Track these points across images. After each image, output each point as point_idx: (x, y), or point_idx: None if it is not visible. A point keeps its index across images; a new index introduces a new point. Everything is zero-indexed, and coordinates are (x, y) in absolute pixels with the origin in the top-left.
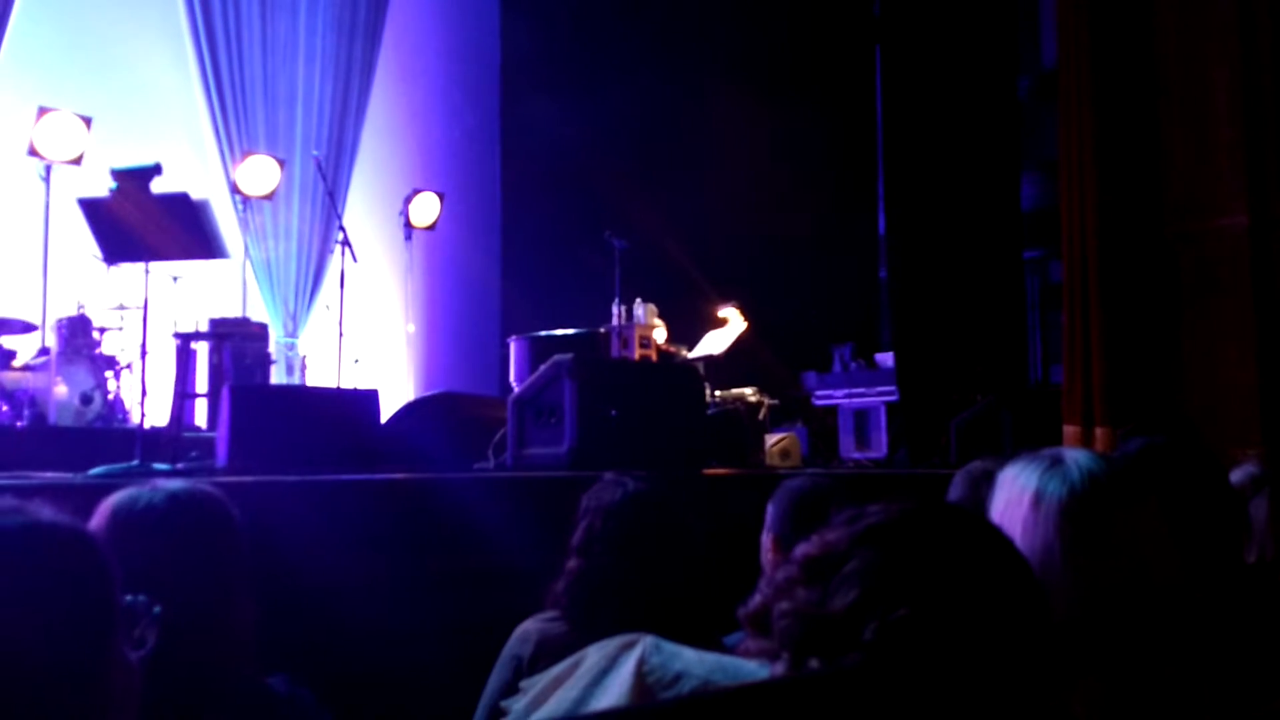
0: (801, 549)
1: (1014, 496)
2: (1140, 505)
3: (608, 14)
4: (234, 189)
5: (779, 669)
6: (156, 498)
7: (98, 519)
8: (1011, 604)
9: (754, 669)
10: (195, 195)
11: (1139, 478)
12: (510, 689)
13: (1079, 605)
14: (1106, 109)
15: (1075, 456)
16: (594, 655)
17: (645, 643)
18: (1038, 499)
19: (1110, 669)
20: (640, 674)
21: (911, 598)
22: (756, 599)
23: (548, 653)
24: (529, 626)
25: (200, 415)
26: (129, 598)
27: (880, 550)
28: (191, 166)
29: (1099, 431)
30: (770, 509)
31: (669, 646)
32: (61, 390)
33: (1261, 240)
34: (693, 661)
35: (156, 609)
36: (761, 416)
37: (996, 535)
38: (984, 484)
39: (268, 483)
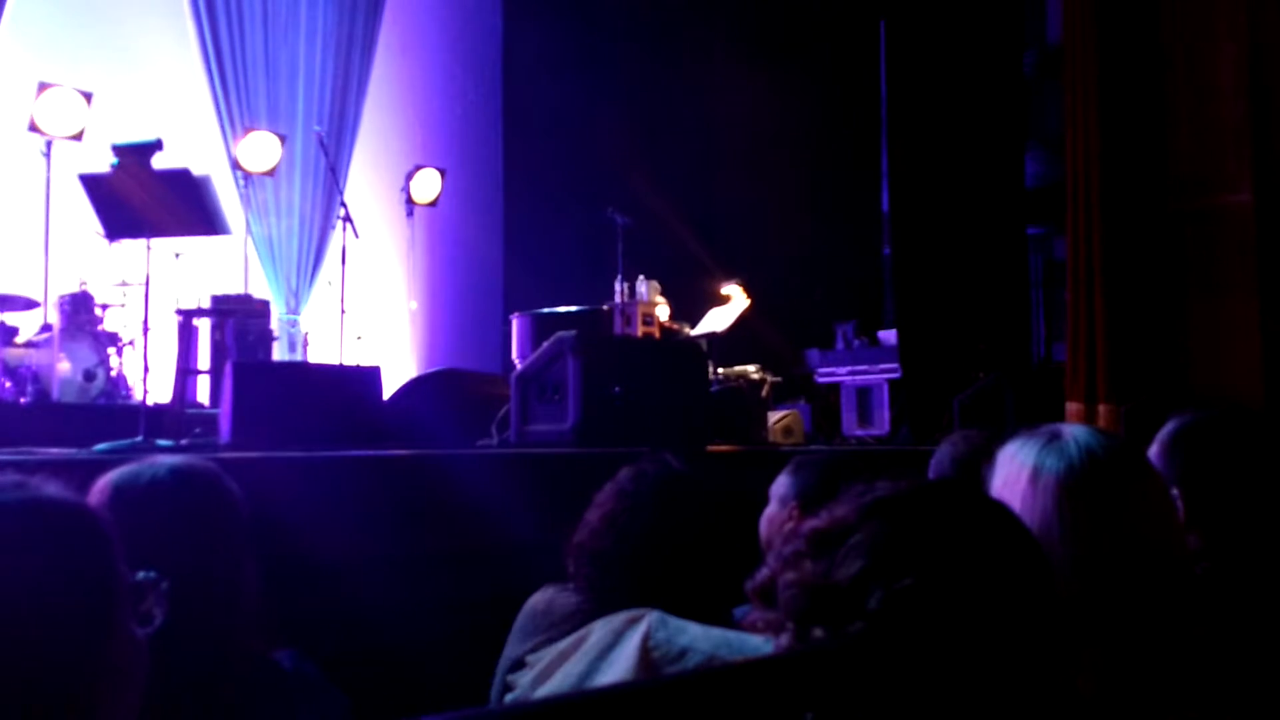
0: (810, 523)
1: (1012, 473)
2: (1139, 481)
3: None
4: (235, 165)
5: (784, 640)
6: (159, 472)
7: (97, 496)
8: (1016, 576)
9: (759, 644)
10: (196, 171)
11: (1141, 453)
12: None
13: (1078, 580)
14: (1111, 85)
15: (1073, 432)
16: (600, 630)
17: (651, 618)
18: (1036, 474)
19: (1111, 643)
20: (646, 649)
21: (916, 568)
22: (764, 572)
23: (559, 620)
24: (540, 595)
25: (203, 392)
26: (139, 575)
27: (887, 522)
28: (193, 142)
29: (1102, 409)
30: (789, 481)
31: (675, 622)
32: (64, 367)
33: (1266, 217)
34: (698, 636)
35: (164, 585)
36: (764, 394)
37: (1003, 510)
38: (981, 461)
39: (270, 459)
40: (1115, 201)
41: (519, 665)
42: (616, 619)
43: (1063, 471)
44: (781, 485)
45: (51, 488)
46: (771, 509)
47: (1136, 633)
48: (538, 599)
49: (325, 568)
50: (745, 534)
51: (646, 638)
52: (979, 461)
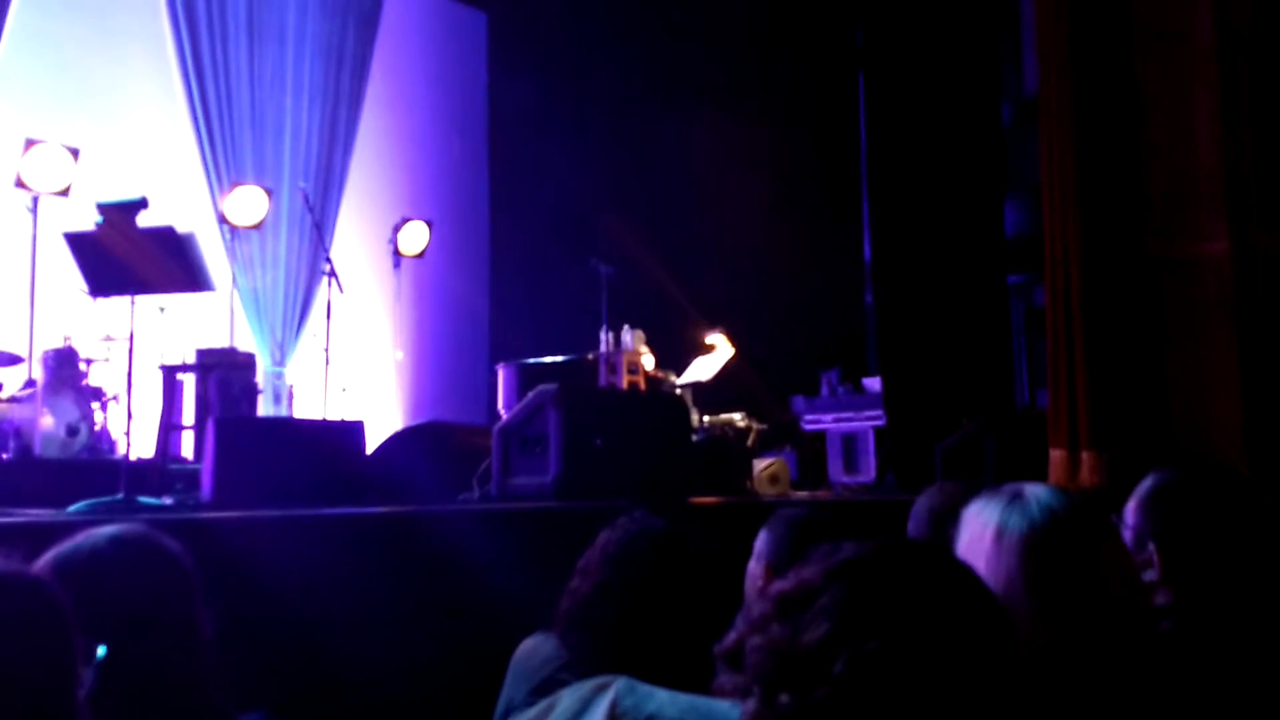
0: (776, 585)
1: (976, 532)
2: (1101, 540)
3: (595, 44)
4: (221, 219)
5: (750, 705)
6: (98, 543)
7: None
8: (981, 639)
9: (726, 709)
10: (181, 228)
11: (1102, 511)
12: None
13: (1042, 640)
14: (1088, 135)
15: (1035, 492)
16: (568, 698)
17: (619, 685)
18: (999, 534)
19: (1076, 703)
20: (613, 716)
21: (882, 631)
22: (732, 635)
23: (530, 669)
24: (525, 644)
25: (187, 447)
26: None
27: (852, 585)
28: (180, 197)
29: (1084, 455)
30: (764, 537)
31: (642, 688)
32: (48, 422)
33: (1243, 266)
34: (665, 702)
35: (100, 650)
36: (750, 442)
37: (967, 572)
38: (935, 523)
39: (252, 518)
40: (1094, 249)
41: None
42: (585, 686)
43: (1025, 531)
44: (759, 542)
45: (9, 563)
46: (751, 565)
47: (1101, 692)
48: (525, 646)
49: (305, 624)
50: (726, 590)
51: (614, 705)
52: (956, 515)
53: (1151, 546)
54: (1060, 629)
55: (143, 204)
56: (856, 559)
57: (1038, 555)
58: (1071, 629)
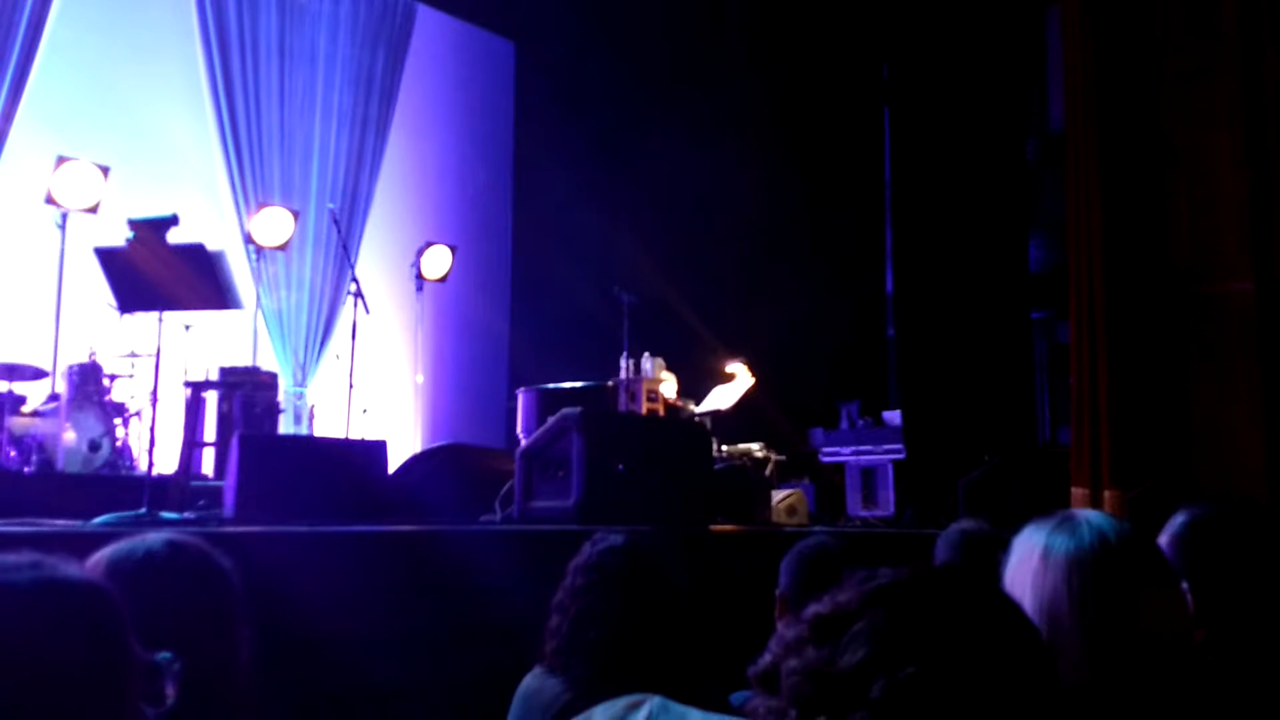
0: (812, 608)
1: (1025, 553)
2: (1150, 566)
3: (619, 73)
4: (248, 239)
5: None
6: (153, 547)
7: (92, 572)
8: (1019, 667)
9: None
10: (211, 246)
11: (1152, 541)
12: None
13: (1087, 663)
14: (1113, 172)
15: (1087, 515)
16: (600, 716)
17: (652, 703)
18: (1046, 553)
19: None
20: None
21: (920, 657)
22: (766, 658)
23: (540, 706)
24: (528, 682)
25: (208, 464)
26: (157, 656)
27: (890, 610)
28: (207, 217)
29: (1107, 494)
30: (781, 568)
31: (676, 708)
32: (70, 437)
33: (1267, 304)
34: None
35: (178, 666)
36: (768, 472)
37: (1006, 600)
38: (967, 546)
39: (274, 533)
40: (1118, 287)
41: None
42: (618, 705)
43: (1072, 550)
44: (780, 571)
45: (67, 567)
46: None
47: (1142, 717)
48: (528, 683)
49: (325, 642)
50: (720, 603)
51: None
52: (980, 550)
53: (1184, 585)
54: (1103, 650)
55: (173, 221)
56: (894, 584)
57: (1083, 573)
58: (1114, 652)
